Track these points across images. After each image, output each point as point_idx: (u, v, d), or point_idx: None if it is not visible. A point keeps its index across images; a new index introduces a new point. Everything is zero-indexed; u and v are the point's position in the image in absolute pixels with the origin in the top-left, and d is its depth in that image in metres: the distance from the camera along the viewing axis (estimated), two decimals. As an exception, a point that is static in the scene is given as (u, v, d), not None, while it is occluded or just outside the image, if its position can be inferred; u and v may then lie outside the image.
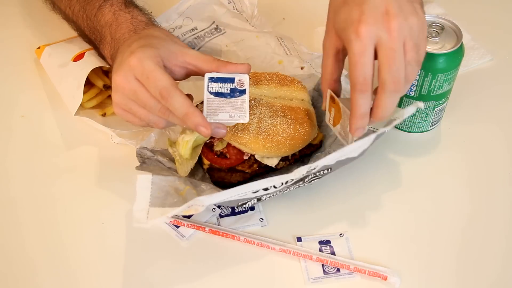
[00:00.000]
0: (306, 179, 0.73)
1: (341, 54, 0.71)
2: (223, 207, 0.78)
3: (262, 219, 0.78)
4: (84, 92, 0.85)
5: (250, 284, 0.72)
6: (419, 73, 0.79)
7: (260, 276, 0.73)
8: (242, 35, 0.98)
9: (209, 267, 0.74)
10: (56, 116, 0.90)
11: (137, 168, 0.76)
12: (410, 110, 0.71)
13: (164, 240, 0.76)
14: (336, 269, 0.73)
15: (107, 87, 0.86)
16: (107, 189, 0.81)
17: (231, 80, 0.71)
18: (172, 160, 0.80)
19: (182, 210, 0.67)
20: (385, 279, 0.71)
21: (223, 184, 0.78)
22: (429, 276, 0.72)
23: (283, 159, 0.79)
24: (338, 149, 0.69)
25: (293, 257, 0.74)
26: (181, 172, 0.77)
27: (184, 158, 0.77)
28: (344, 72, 0.75)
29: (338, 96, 0.73)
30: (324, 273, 0.72)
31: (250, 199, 0.73)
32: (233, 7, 1.00)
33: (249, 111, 0.72)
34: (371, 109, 0.67)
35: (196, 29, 0.98)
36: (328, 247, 0.75)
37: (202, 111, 0.70)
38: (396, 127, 0.87)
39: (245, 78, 0.71)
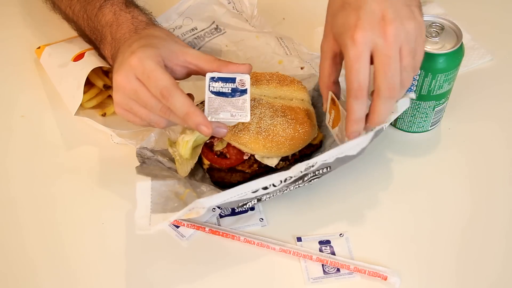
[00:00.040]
0: (306, 179, 0.73)
1: (339, 57, 0.71)
2: (223, 207, 0.78)
3: (262, 219, 0.78)
4: (84, 92, 0.85)
5: (250, 284, 0.72)
6: (419, 73, 0.79)
7: (260, 276, 0.73)
8: (242, 35, 0.98)
9: (209, 267, 0.74)
10: (56, 116, 0.90)
11: (137, 168, 0.76)
12: (404, 103, 0.71)
13: (164, 240, 0.76)
14: (336, 269, 0.73)
15: (107, 87, 0.86)
16: (107, 189, 0.81)
17: (233, 80, 0.71)
18: (172, 160, 0.80)
19: (183, 214, 0.67)
20: (385, 279, 0.71)
21: (223, 184, 0.78)
22: (429, 276, 0.73)
23: (283, 159, 0.79)
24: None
25: (293, 257, 0.74)
26: (181, 172, 0.77)
27: (184, 158, 0.77)
28: (344, 72, 0.75)
29: (338, 97, 0.73)
30: (324, 273, 0.72)
31: (250, 200, 0.73)
32: (233, 7, 1.00)
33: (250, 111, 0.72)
34: (367, 114, 0.67)
35: (196, 29, 0.98)
36: (328, 247, 0.75)
37: (202, 110, 0.70)
38: (396, 127, 0.87)
39: (246, 78, 0.71)
